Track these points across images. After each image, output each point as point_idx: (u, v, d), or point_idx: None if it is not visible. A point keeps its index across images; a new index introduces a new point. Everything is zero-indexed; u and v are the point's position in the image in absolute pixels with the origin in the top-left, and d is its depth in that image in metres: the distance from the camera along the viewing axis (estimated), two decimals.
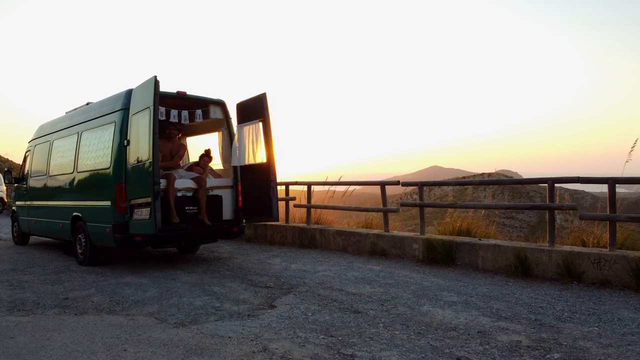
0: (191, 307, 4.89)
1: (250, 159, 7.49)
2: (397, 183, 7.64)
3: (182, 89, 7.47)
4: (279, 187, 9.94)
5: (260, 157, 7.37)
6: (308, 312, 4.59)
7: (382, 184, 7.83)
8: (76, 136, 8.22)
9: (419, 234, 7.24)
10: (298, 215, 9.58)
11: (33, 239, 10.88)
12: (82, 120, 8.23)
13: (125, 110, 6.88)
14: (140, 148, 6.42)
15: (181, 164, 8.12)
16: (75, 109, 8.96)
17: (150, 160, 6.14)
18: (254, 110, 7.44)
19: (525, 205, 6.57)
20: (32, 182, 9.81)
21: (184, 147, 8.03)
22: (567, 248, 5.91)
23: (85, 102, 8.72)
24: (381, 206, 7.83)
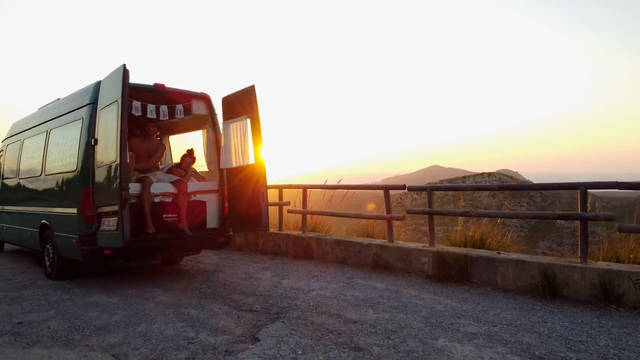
0: (160, 337, 4.09)
1: (237, 161, 6.66)
2: (402, 187, 6.82)
3: (160, 81, 6.67)
4: (271, 191, 9.13)
5: (249, 158, 6.57)
6: (298, 348, 3.76)
7: (386, 188, 7.00)
8: (45, 135, 7.43)
9: (427, 245, 6.41)
10: (293, 221, 8.75)
11: (9, 245, 10.07)
12: (51, 117, 7.43)
13: (94, 104, 6.06)
14: (108, 148, 5.60)
15: (160, 166, 7.31)
16: (47, 104, 8.17)
17: (118, 162, 5.32)
18: (242, 105, 6.62)
19: (553, 214, 5.75)
20: (4, 186, 9.01)
21: (162, 147, 7.21)
22: (603, 265, 5.07)
23: (56, 98, 7.94)
24: (384, 212, 7.01)
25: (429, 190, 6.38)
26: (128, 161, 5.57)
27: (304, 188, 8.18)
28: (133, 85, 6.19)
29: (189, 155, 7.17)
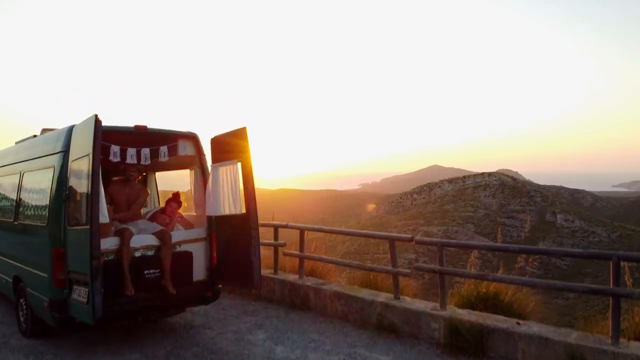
0: None
1: (226, 209, 6.04)
2: (410, 240, 6.20)
3: (141, 123, 6.02)
4: (266, 229, 8.50)
5: (239, 207, 5.95)
6: None
7: (391, 239, 6.38)
8: (18, 176, 6.79)
9: (438, 306, 5.78)
10: (290, 262, 8.11)
11: None
12: (25, 157, 6.79)
13: (65, 153, 5.41)
14: (80, 209, 4.97)
15: (142, 212, 6.68)
16: (23, 140, 7.56)
17: (88, 227, 4.69)
18: (232, 147, 6.03)
19: (581, 287, 5.09)
20: None
21: (145, 193, 6.59)
22: (637, 349, 4.45)
23: (32, 135, 7.31)
24: (389, 262, 6.38)
25: (440, 245, 5.75)
26: (107, 215, 5.04)
27: (302, 230, 7.55)
28: (111, 128, 5.60)
29: (175, 199, 6.57)
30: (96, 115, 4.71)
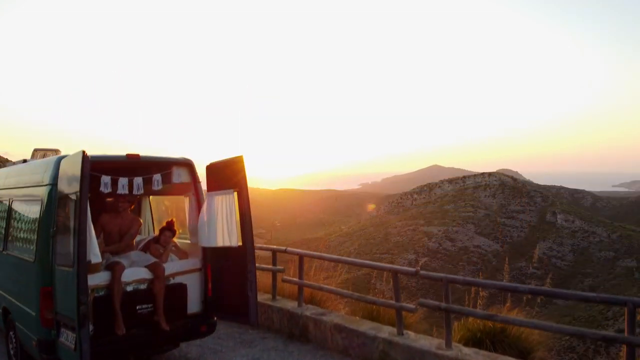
0: None
1: (222, 240, 5.78)
2: (414, 273, 5.92)
3: (133, 151, 5.75)
4: (264, 252, 8.25)
5: (235, 239, 5.68)
6: None
7: (394, 272, 6.12)
8: (7, 203, 6.53)
9: (443, 343, 5.51)
10: (289, 286, 7.83)
11: None
12: (14, 184, 6.53)
13: (54, 186, 5.13)
14: (67, 245, 4.70)
15: (137, 239, 6.42)
16: (15, 164, 7.33)
17: (75, 270, 4.42)
18: (228, 176, 5.80)
19: (595, 334, 4.82)
20: None
21: (137, 223, 6.31)
22: None
23: (22, 159, 7.05)
24: (393, 298, 6.11)
25: (446, 282, 5.48)
26: (99, 254, 4.87)
27: (301, 256, 7.28)
28: (101, 158, 5.45)
29: (169, 228, 6.25)
30: (83, 152, 4.44)
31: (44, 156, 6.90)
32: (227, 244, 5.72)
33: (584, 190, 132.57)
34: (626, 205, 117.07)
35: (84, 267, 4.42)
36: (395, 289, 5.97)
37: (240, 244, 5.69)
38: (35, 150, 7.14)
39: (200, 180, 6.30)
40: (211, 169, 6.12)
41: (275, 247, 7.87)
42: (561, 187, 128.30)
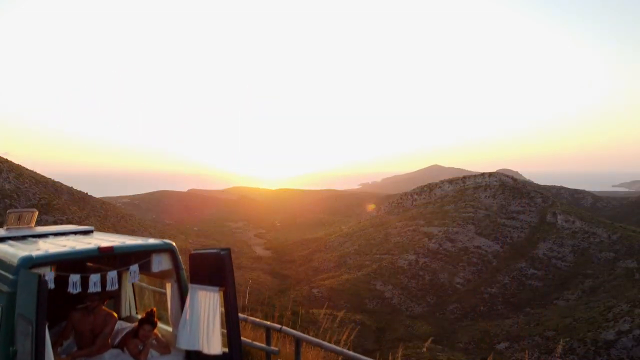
0: None
1: (203, 344, 5.09)
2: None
3: (106, 243, 5.10)
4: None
5: (217, 346, 5.03)
6: None
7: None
8: None
9: None
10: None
11: None
12: None
13: (13, 295, 4.35)
14: None
15: (110, 341, 5.68)
16: None
17: None
18: (212, 271, 5.19)
19: None
20: None
21: (112, 320, 5.62)
22: None
23: None
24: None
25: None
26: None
27: (298, 339, 6.45)
28: (69, 256, 4.81)
29: (148, 321, 5.47)
30: (39, 276, 3.87)
31: (19, 218, 6.42)
32: (206, 351, 5.07)
33: (584, 190, 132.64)
34: (626, 206, 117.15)
35: None
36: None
37: (226, 350, 5.07)
38: (10, 212, 6.50)
39: (184, 266, 5.72)
40: (195, 259, 5.38)
41: (269, 323, 7.13)
42: (561, 187, 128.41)
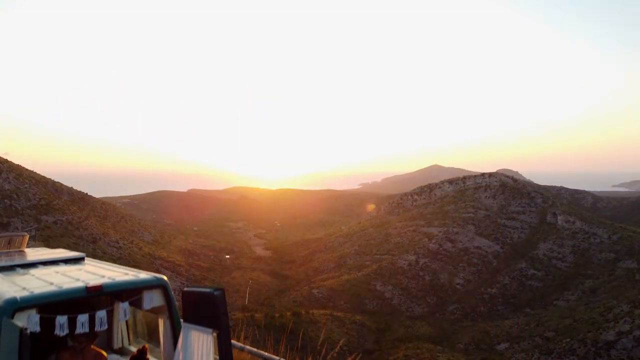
0: None
1: None
2: None
3: (95, 282, 4.94)
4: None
5: None
6: None
7: None
8: None
9: None
10: None
11: None
12: None
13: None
14: None
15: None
16: None
17: None
18: (204, 311, 5.01)
19: None
20: None
21: (101, 358, 5.50)
22: None
23: None
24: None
25: None
26: None
27: None
28: (55, 297, 4.64)
29: (140, 357, 5.31)
30: (21, 330, 3.77)
31: (9, 242, 6.30)
32: None
33: (584, 190, 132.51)
34: (626, 206, 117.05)
35: None
36: None
37: None
38: (0, 236, 6.40)
39: (176, 303, 5.53)
40: (187, 296, 5.12)
41: (267, 354, 6.84)
42: (561, 188, 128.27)
